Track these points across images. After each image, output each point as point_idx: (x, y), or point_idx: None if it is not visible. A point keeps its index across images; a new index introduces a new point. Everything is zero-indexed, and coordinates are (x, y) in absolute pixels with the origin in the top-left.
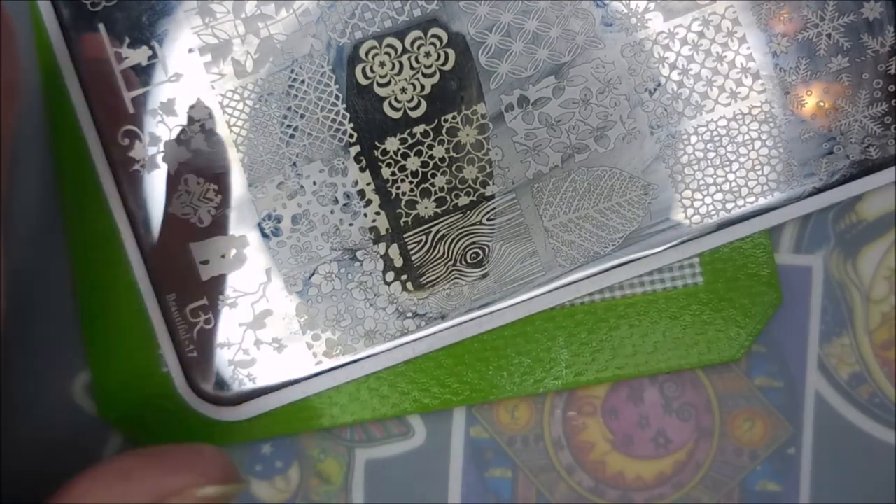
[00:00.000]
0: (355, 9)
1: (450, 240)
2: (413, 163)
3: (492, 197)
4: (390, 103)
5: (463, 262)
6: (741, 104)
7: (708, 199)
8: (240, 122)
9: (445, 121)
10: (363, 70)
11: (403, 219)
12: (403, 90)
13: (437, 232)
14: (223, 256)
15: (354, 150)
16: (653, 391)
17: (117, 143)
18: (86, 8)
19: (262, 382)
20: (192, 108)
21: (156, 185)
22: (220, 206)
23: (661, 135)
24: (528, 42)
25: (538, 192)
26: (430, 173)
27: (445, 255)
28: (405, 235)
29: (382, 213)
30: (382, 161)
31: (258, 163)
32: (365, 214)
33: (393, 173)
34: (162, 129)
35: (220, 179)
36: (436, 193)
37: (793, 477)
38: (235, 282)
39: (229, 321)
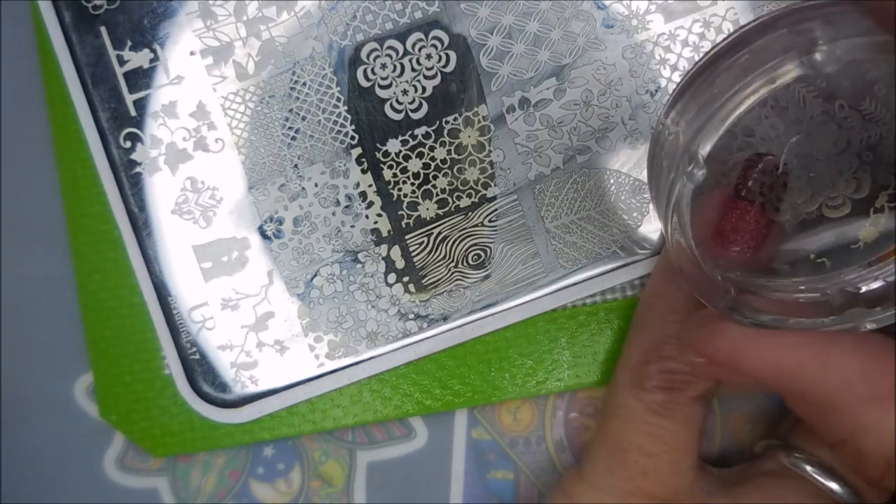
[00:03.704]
0: (356, 11)
1: (451, 241)
2: (414, 164)
3: (493, 198)
4: (392, 105)
5: (465, 263)
6: None
7: None
8: (241, 125)
9: (447, 122)
10: (364, 72)
11: (405, 220)
12: (405, 92)
13: (439, 233)
14: (225, 259)
15: (356, 152)
16: None
17: (119, 145)
18: (87, 11)
19: (263, 385)
20: (193, 110)
21: (157, 188)
22: (221, 208)
23: None
24: (529, 44)
25: (540, 194)
26: (431, 175)
27: (447, 256)
28: (407, 237)
29: (384, 214)
30: (384, 163)
31: (260, 165)
32: (367, 216)
33: (394, 175)
34: (164, 131)
35: (221, 182)
36: (437, 195)
37: None
38: (237, 284)
39: (231, 323)
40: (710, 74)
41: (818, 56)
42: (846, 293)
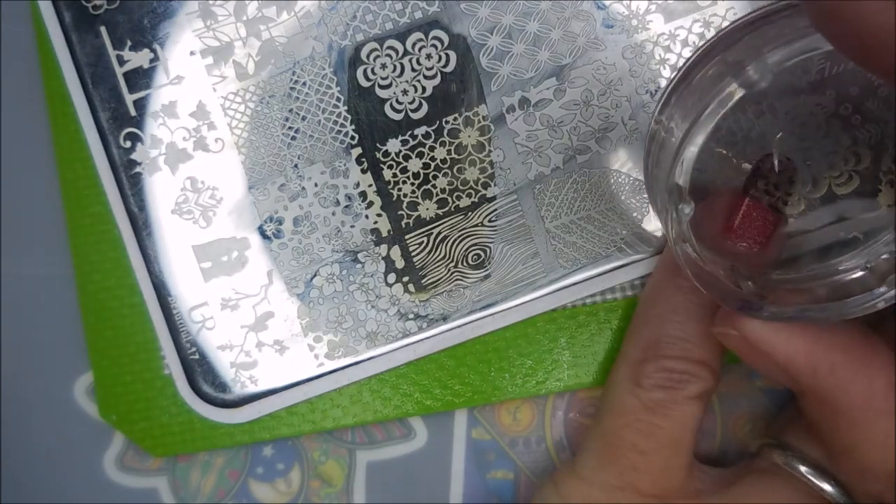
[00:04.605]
0: (356, 11)
1: (451, 241)
2: (414, 164)
3: (493, 198)
4: (392, 105)
5: (464, 263)
6: None
7: None
8: (241, 125)
9: (447, 122)
10: (364, 72)
11: (405, 220)
12: (405, 92)
13: (439, 233)
14: (225, 258)
15: (356, 151)
16: None
17: (119, 145)
18: (87, 11)
19: (263, 384)
20: (193, 110)
21: (157, 188)
22: (221, 208)
23: None
24: (529, 44)
25: (540, 194)
26: (431, 175)
27: (447, 256)
28: (407, 237)
29: (384, 214)
30: (384, 163)
31: (260, 165)
32: (366, 216)
33: (394, 175)
34: (164, 131)
35: (221, 182)
36: (437, 195)
37: None
38: (237, 284)
39: (231, 323)
40: (684, 88)
41: (751, 74)
42: (887, 260)
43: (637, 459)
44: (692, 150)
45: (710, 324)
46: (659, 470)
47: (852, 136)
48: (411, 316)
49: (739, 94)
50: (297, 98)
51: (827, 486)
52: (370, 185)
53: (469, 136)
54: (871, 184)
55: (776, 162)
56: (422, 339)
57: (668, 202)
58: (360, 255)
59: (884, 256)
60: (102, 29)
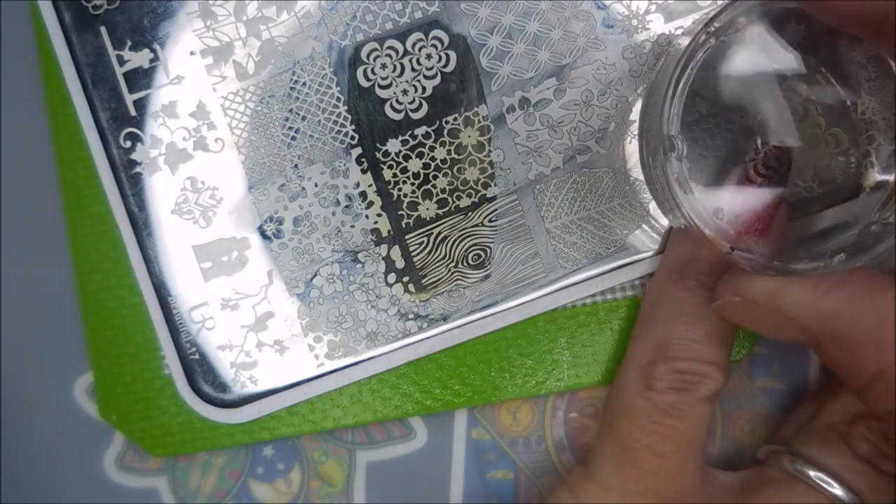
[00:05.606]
0: (356, 11)
1: (451, 241)
2: (414, 164)
3: (493, 198)
4: (392, 105)
5: (465, 263)
6: None
7: None
8: (241, 125)
9: (447, 122)
10: (364, 72)
11: (405, 220)
12: (405, 92)
13: (439, 233)
14: (225, 258)
15: (356, 151)
16: None
17: (119, 145)
18: (87, 11)
19: (263, 384)
20: (193, 110)
21: (157, 188)
22: (221, 208)
23: None
24: (529, 44)
25: (540, 194)
26: (431, 175)
27: (447, 256)
28: (407, 237)
29: (384, 214)
30: (384, 163)
31: (259, 165)
32: (366, 216)
33: (394, 175)
34: (164, 131)
35: (221, 182)
36: (437, 195)
37: None
38: (237, 284)
39: (231, 323)
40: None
41: (723, 27)
42: (883, 231)
43: (655, 463)
44: (677, 100)
45: (713, 300)
46: (677, 473)
47: (826, 119)
48: (411, 316)
49: (713, 40)
50: (297, 98)
51: (838, 492)
52: (370, 185)
53: (469, 136)
54: (853, 168)
55: (759, 144)
56: (422, 339)
57: (664, 156)
58: (360, 255)
59: (873, 230)
60: (102, 29)
